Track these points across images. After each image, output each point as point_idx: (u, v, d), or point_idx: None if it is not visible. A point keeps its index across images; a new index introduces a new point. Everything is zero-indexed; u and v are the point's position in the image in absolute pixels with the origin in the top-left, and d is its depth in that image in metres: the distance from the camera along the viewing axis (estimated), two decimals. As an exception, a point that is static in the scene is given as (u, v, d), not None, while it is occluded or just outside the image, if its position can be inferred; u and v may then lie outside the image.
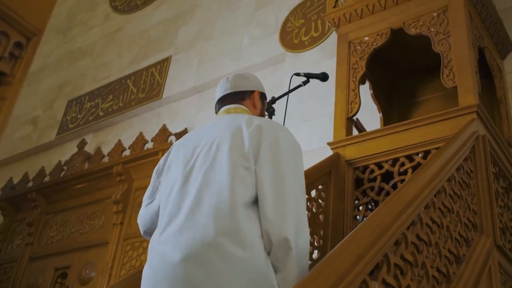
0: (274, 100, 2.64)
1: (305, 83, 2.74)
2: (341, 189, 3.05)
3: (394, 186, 2.95)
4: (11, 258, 6.49)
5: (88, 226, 5.86)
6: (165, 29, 6.95)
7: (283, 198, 1.69)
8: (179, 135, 5.50)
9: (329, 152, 3.23)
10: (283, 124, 2.43)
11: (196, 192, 1.74)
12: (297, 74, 2.68)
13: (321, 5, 5.23)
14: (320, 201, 2.90)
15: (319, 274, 1.39)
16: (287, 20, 5.47)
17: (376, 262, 1.57)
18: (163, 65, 6.49)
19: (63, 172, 6.55)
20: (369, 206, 3.11)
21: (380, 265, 1.60)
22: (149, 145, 5.73)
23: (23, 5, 8.64)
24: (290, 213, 1.67)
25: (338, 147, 3.22)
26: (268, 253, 1.64)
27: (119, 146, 5.99)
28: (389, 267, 1.63)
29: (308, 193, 2.82)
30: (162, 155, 5.04)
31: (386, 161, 3.02)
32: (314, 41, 5.06)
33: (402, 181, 2.94)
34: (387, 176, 3.01)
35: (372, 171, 3.06)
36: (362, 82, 3.64)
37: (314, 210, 2.84)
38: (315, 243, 2.77)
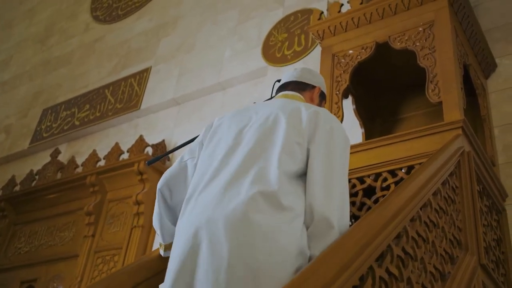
0: (256, 107, 2.53)
1: (288, 90, 2.64)
2: (322, 203, 2.94)
3: (376, 202, 2.86)
4: (-25, 270, 6.23)
5: (58, 238, 5.66)
6: (146, 40, 6.85)
7: (332, 180, 1.76)
8: (156, 147, 5.37)
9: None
10: None
11: (245, 156, 1.80)
12: (279, 81, 2.58)
13: (305, 20, 5.18)
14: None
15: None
16: (270, 34, 5.41)
17: (360, 273, 1.47)
18: (143, 75, 6.38)
19: (34, 182, 6.35)
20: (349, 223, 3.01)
21: (365, 278, 1.50)
22: (125, 156, 5.58)
23: None
24: (336, 195, 1.74)
25: (319, 160, 3.12)
26: (307, 228, 1.69)
27: (93, 156, 5.82)
28: (374, 280, 1.53)
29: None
30: (138, 167, 5.08)
31: (369, 176, 2.94)
32: (297, 56, 5.00)
33: (384, 196, 2.85)
34: (369, 191, 2.92)
35: (354, 186, 2.96)
36: (345, 95, 3.58)
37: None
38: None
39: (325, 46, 3.72)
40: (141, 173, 5.16)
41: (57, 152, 6.48)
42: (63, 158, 6.48)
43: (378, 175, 2.90)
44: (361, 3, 3.66)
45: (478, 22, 3.73)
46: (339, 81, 3.50)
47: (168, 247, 2.07)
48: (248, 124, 1.95)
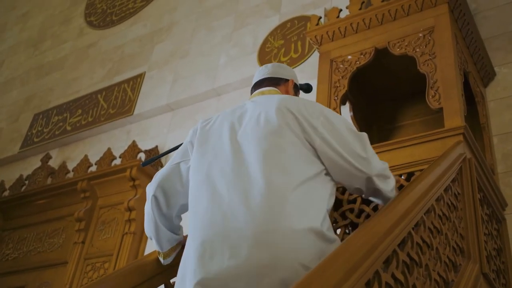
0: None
1: (287, 93, 2.59)
2: (320, 209, 2.88)
3: (375, 208, 2.80)
4: (-38, 277, 6.09)
5: (47, 244, 5.55)
6: (140, 46, 6.79)
7: (366, 144, 1.93)
8: (149, 152, 5.29)
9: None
10: None
11: (258, 165, 1.75)
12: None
13: (302, 27, 5.14)
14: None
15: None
16: (266, 41, 5.37)
17: (367, 278, 1.40)
18: (136, 81, 6.31)
19: (24, 187, 6.24)
20: (347, 231, 2.94)
21: (371, 283, 1.44)
22: (117, 161, 5.49)
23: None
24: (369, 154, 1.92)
25: (317, 165, 3.06)
26: (362, 192, 1.93)
27: (85, 162, 5.73)
28: (381, 285, 1.46)
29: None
30: (131, 172, 4.99)
31: (367, 182, 2.87)
32: (294, 62, 4.95)
33: (383, 203, 2.79)
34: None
35: (353, 192, 2.90)
36: (343, 101, 3.53)
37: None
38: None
39: (323, 52, 3.67)
40: (133, 179, 5.07)
41: (47, 157, 6.37)
42: (54, 163, 6.38)
43: (377, 181, 2.84)
44: (360, 9, 3.63)
45: (478, 30, 3.71)
46: (337, 86, 3.45)
47: (167, 254, 2.00)
48: (239, 128, 1.91)
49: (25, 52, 8.57)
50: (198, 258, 1.65)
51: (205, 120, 2.08)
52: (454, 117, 2.83)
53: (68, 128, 6.57)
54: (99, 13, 7.96)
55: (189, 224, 1.80)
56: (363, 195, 2.02)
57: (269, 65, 2.28)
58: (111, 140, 6.10)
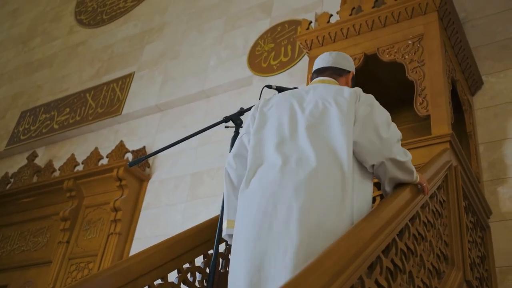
0: (242, 111, 2.48)
1: (276, 97, 2.60)
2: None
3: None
4: None
5: (31, 243, 5.50)
6: (130, 45, 6.76)
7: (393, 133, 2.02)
8: (136, 153, 5.26)
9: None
10: None
11: (309, 141, 1.95)
12: (269, 87, 2.54)
13: (292, 31, 5.15)
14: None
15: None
16: (256, 44, 5.37)
17: (351, 283, 1.40)
18: (125, 81, 6.28)
19: (9, 185, 6.18)
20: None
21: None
22: (104, 161, 5.46)
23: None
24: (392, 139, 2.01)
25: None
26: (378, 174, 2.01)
27: (71, 161, 5.69)
28: (364, 291, 1.47)
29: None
30: (117, 173, 4.97)
31: (354, 187, 2.88)
32: (283, 66, 4.96)
33: (369, 209, 2.80)
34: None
35: (339, 197, 2.90)
36: (332, 106, 3.53)
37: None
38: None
39: (313, 56, 3.68)
40: (120, 179, 5.04)
41: (34, 155, 6.32)
42: (40, 161, 6.32)
43: (363, 187, 2.85)
44: (351, 14, 3.64)
45: (467, 38, 3.73)
46: (326, 91, 3.45)
47: (232, 224, 2.11)
48: (299, 109, 2.10)
49: (14, 48, 8.51)
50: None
51: (265, 101, 2.26)
52: (441, 125, 2.85)
53: (56, 126, 6.53)
54: (89, 12, 7.93)
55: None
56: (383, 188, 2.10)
57: (333, 53, 2.40)
58: (99, 140, 6.06)
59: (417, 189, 2.08)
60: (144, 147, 5.38)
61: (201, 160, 4.95)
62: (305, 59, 4.54)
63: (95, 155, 5.51)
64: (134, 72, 6.31)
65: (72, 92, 6.81)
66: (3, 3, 9.60)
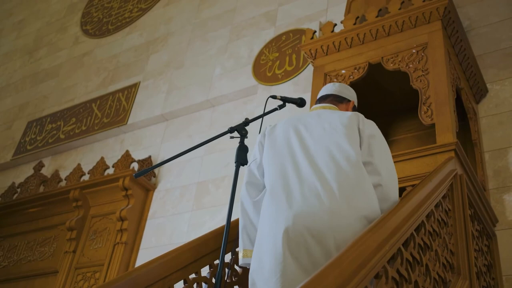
0: (247, 122, 2.49)
1: (281, 107, 2.61)
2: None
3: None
4: (-49, 284, 6.04)
5: (38, 253, 5.51)
6: (136, 55, 6.80)
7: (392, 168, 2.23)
8: (142, 162, 5.29)
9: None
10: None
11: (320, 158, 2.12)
12: (274, 97, 2.55)
13: (297, 40, 5.17)
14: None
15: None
16: (261, 53, 5.40)
17: (357, 294, 1.41)
18: (131, 90, 6.31)
19: (16, 195, 6.21)
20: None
21: (360, 299, 1.44)
22: (110, 171, 5.49)
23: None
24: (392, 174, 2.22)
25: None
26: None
27: (77, 170, 5.72)
28: (370, 301, 1.47)
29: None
30: (123, 182, 4.98)
31: (359, 197, 2.88)
32: (288, 75, 4.98)
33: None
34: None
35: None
36: (336, 115, 3.54)
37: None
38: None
39: (317, 66, 3.70)
40: (126, 189, 5.06)
41: (40, 165, 6.36)
42: (46, 171, 6.36)
43: (369, 196, 2.85)
44: (355, 24, 3.66)
45: (471, 47, 3.74)
46: (331, 100, 3.46)
47: (249, 254, 2.17)
48: (306, 133, 2.24)
49: (21, 59, 8.57)
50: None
51: (271, 127, 2.41)
52: (446, 133, 2.86)
53: (62, 136, 6.56)
54: (95, 22, 7.98)
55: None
56: None
57: (336, 84, 2.61)
58: (105, 149, 6.09)
59: (423, 197, 2.09)
60: (149, 157, 5.40)
61: (206, 170, 4.96)
62: (310, 68, 4.56)
63: (101, 164, 5.54)
64: (139, 82, 6.34)
65: (78, 102, 6.85)
66: (9, 14, 9.68)
